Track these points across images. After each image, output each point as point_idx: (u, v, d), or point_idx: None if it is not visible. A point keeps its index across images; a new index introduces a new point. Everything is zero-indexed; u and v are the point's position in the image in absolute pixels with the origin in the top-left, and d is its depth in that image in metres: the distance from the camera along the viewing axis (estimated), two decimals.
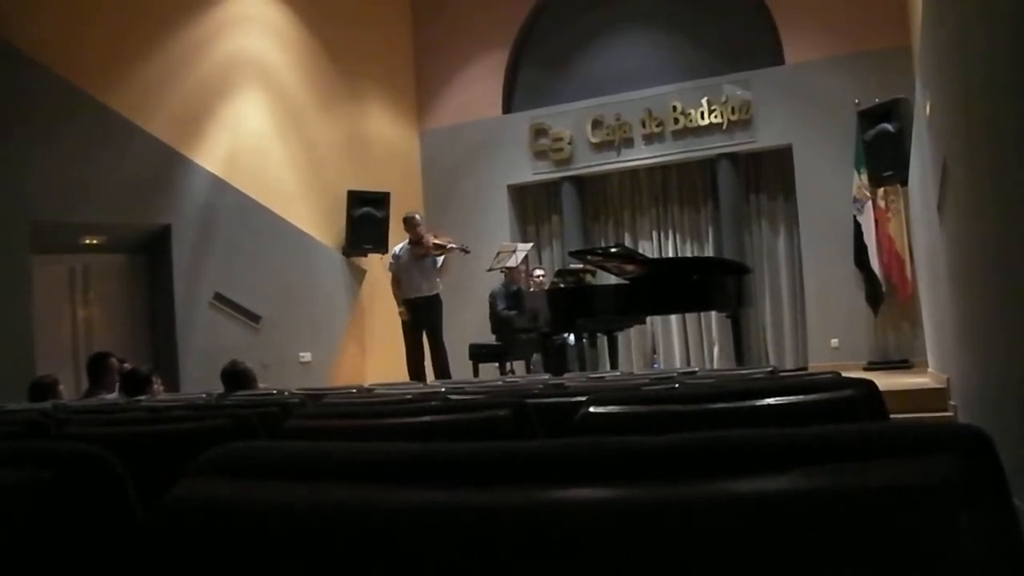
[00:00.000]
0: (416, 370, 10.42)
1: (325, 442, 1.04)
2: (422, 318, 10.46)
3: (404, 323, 10.57)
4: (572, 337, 10.53)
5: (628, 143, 12.70)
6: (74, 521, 1.16)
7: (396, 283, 10.68)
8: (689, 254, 12.62)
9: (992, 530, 0.75)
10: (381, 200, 12.38)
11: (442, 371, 10.39)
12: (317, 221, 12.11)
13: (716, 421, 1.97)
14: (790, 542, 0.75)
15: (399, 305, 10.62)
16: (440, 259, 10.62)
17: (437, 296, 10.60)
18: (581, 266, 10.22)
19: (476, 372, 10.89)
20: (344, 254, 12.37)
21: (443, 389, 4.63)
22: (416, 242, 10.54)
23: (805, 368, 11.15)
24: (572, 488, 0.83)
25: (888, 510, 0.74)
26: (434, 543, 0.83)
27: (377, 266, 12.50)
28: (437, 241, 10.60)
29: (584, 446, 0.90)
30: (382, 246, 12.27)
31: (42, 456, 1.21)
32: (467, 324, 11.41)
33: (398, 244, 10.89)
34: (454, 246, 10.61)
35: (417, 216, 10.81)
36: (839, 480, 0.77)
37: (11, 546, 1.11)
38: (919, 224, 8.85)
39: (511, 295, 10.99)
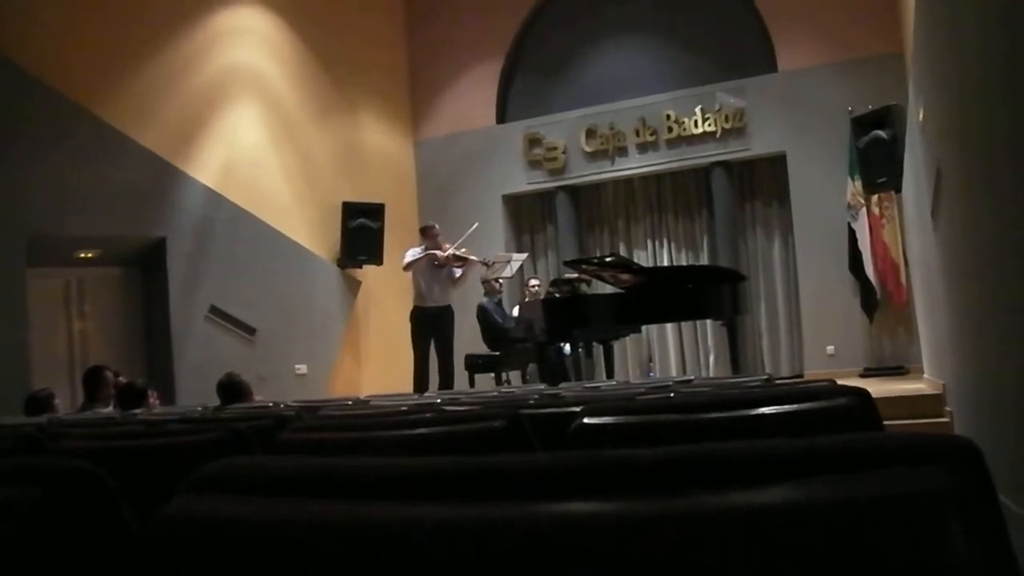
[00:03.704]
0: (421, 381, 10.43)
1: (320, 457, 1.04)
2: (433, 328, 10.48)
3: (413, 333, 10.57)
4: (568, 347, 10.53)
5: (622, 152, 12.72)
6: (67, 538, 1.16)
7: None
8: (684, 262, 12.63)
9: (982, 540, 0.75)
10: (376, 211, 12.38)
11: (448, 382, 10.41)
12: (312, 233, 12.11)
13: (711, 431, 1.98)
14: (784, 554, 0.75)
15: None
16: (459, 271, 10.62)
17: (450, 307, 10.63)
18: (576, 276, 10.21)
19: (472, 382, 10.88)
20: (339, 265, 12.35)
21: (439, 400, 4.63)
22: (433, 252, 10.54)
23: (801, 375, 11.17)
24: (568, 501, 0.83)
25: (879, 521, 0.74)
26: (431, 558, 0.83)
27: (373, 277, 12.50)
28: (458, 253, 10.59)
29: (579, 459, 0.90)
30: (377, 257, 12.27)
31: (33, 472, 1.21)
32: (464, 335, 11.40)
33: (410, 249, 10.84)
34: (475, 259, 10.62)
35: (436, 226, 10.80)
36: (831, 491, 0.77)
37: (2, 565, 1.11)
38: (913, 230, 8.86)
39: (497, 305, 11.03)
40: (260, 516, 0.91)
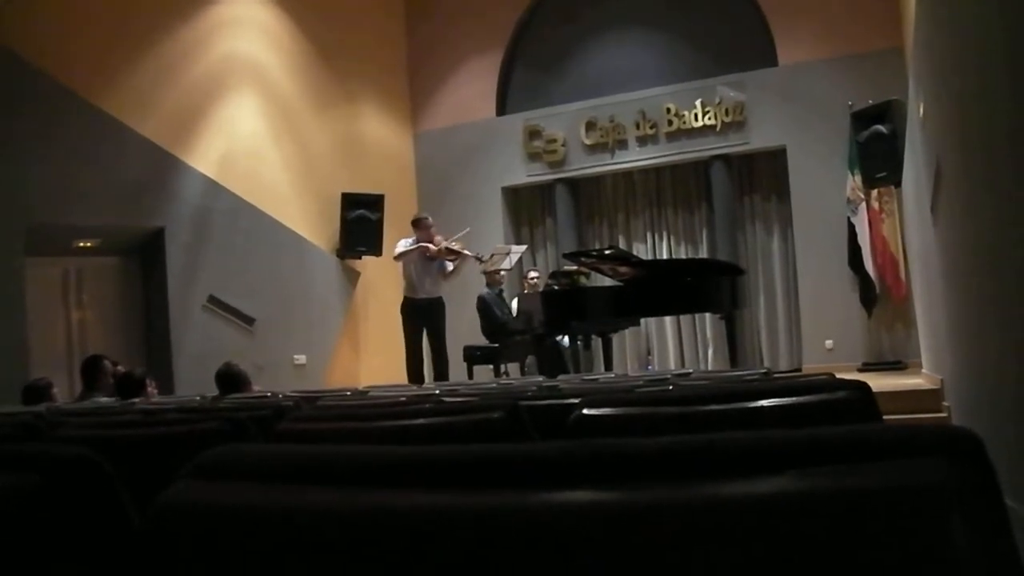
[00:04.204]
0: (416, 372, 10.41)
1: (318, 445, 1.04)
2: (424, 320, 10.46)
3: (405, 324, 10.56)
4: (566, 339, 10.53)
5: (622, 145, 12.71)
6: (66, 524, 1.16)
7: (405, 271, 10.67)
8: (683, 256, 12.62)
9: (984, 531, 0.75)
10: (375, 202, 12.37)
11: (442, 374, 10.39)
12: (311, 223, 12.10)
13: (710, 423, 1.97)
14: (783, 544, 0.75)
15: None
16: (451, 265, 10.60)
17: (440, 299, 10.60)
18: (575, 268, 10.21)
19: (471, 374, 10.87)
20: (338, 256, 12.35)
21: (437, 391, 4.63)
22: (426, 244, 10.52)
23: (799, 369, 11.17)
24: (567, 491, 0.83)
25: (880, 512, 0.74)
26: (429, 547, 0.83)
27: (371, 268, 12.50)
28: (451, 246, 10.57)
29: (579, 449, 0.90)
30: (376, 248, 12.27)
31: (34, 460, 1.20)
32: (462, 326, 11.40)
33: (401, 240, 10.81)
34: (468, 254, 10.59)
35: (429, 218, 10.77)
36: (832, 482, 0.77)
37: (2, 551, 1.11)
38: (913, 225, 8.86)
39: (498, 297, 11.02)
40: (259, 503, 0.91)
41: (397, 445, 0.99)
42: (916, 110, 6.63)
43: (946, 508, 0.74)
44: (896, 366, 10.72)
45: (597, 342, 10.89)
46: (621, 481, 0.82)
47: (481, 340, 11.07)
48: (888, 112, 9.84)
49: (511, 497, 0.83)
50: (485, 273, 11.04)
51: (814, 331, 11.60)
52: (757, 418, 1.94)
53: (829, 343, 11.41)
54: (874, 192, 10.68)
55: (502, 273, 11.21)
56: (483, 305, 10.93)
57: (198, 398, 5.93)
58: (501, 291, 11.17)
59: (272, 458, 1.01)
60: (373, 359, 12.49)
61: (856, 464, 0.78)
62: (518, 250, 11.39)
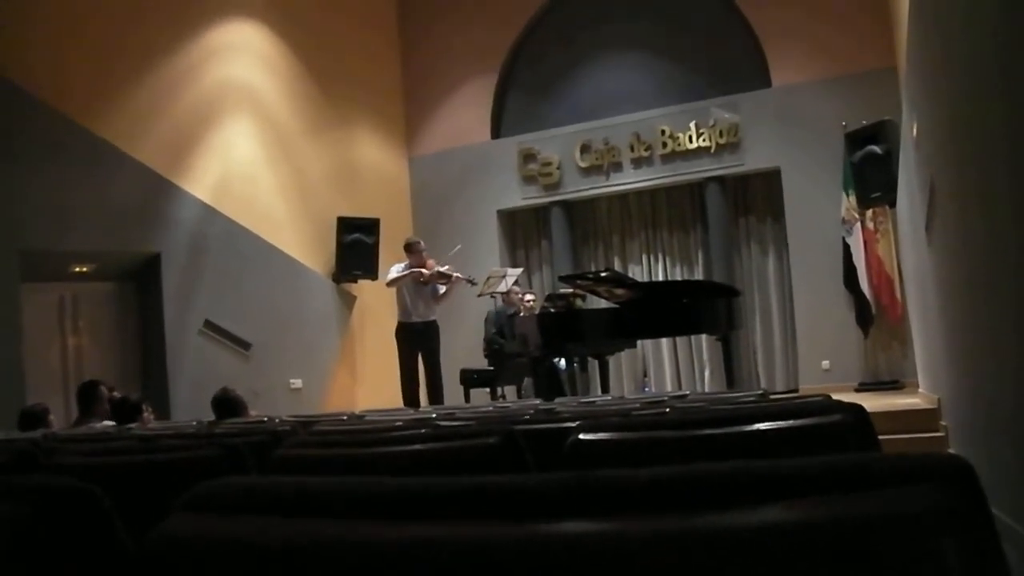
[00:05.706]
0: (411, 395, 10.39)
1: (316, 477, 1.04)
2: (420, 343, 10.45)
3: (400, 348, 10.54)
4: (563, 361, 10.53)
5: (617, 167, 12.73)
6: (60, 557, 1.15)
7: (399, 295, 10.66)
8: (679, 278, 12.63)
9: (976, 559, 0.75)
10: (371, 226, 12.39)
11: (437, 397, 10.38)
12: (307, 248, 12.10)
13: (706, 447, 1.97)
14: (779, 574, 0.75)
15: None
16: (443, 288, 10.60)
17: (435, 322, 10.59)
18: (571, 290, 10.21)
19: (467, 397, 10.87)
20: (334, 280, 12.35)
21: (434, 416, 4.62)
22: (418, 267, 10.51)
23: (796, 390, 11.16)
24: (562, 522, 0.83)
25: (873, 541, 0.74)
26: None
27: (368, 292, 12.49)
28: (442, 270, 10.57)
29: (573, 480, 0.90)
30: (372, 272, 12.27)
31: (27, 491, 1.20)
32: (458, 349, 11.40)
33: (394, 265, 10.81)
34: (460, 276, 10.59)
35: (421, 243, 10.77)
36: (825, 511, 0.77)
37: None
38: (908, 245, 8.88)
39: (507, 317, 11.01)
40: (255, 536, 0.91)
41: (393, 472, 0.99)
42: (910, 130, 6.66)
43: (938, 536, 0.74)
44: (893, 386, 10.72)
45: (594, 364, 10.88)
46: (615, 512, 0.82)
47: (478, 363, 11.06)
48: (882, 132, 9.87)
49: (505, 529, 0.83)
50: (502, 294, 11.10)
51: (810, 352, 11.60)
52: (754, 442, 1.94)
53: (825, 363, 11.40)
54: (869, 212, 10.70)
55: (519, 295, 11.27)
56: (487, 319, 11.05)
57: (195, 423, 5.91)
58: (515, 312, 11.08)
59: (268, 490, 1.01)
60: (370, 383, 12.48)
61: (849, 493, 0.78)
62: (514, 273, 11.41)
